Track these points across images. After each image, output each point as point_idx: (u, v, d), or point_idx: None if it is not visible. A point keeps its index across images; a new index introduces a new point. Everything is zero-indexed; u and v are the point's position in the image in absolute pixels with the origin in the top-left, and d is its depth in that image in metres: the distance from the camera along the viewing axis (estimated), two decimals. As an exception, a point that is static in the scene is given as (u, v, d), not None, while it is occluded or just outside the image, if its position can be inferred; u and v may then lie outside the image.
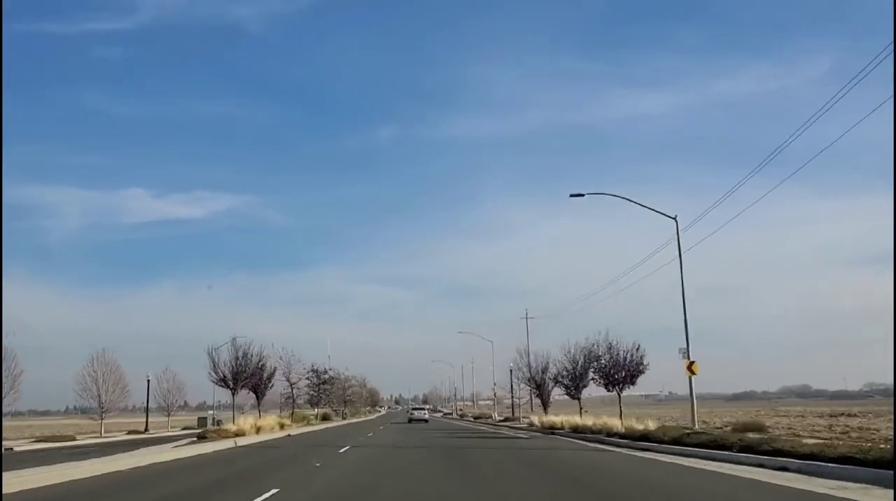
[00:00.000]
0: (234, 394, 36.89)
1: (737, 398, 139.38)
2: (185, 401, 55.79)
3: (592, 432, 28.54)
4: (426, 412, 72.22)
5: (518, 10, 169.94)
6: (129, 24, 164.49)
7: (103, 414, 38.12)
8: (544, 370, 42.59)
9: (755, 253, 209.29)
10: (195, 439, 27.32)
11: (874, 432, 24.90)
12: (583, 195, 26.31)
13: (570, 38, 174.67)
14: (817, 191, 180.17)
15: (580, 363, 34.81)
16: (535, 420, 41.49)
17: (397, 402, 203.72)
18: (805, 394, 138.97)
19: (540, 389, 43.46)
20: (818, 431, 27.43)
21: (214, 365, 35.80)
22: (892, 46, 11.94)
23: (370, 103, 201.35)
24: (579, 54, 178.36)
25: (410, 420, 62.89)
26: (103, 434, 38.04)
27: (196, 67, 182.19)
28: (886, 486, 10.08)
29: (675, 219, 25.83)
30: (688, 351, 25.54)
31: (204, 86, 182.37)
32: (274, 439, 31.01)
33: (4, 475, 11.64)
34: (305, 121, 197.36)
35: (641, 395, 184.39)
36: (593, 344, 33.04)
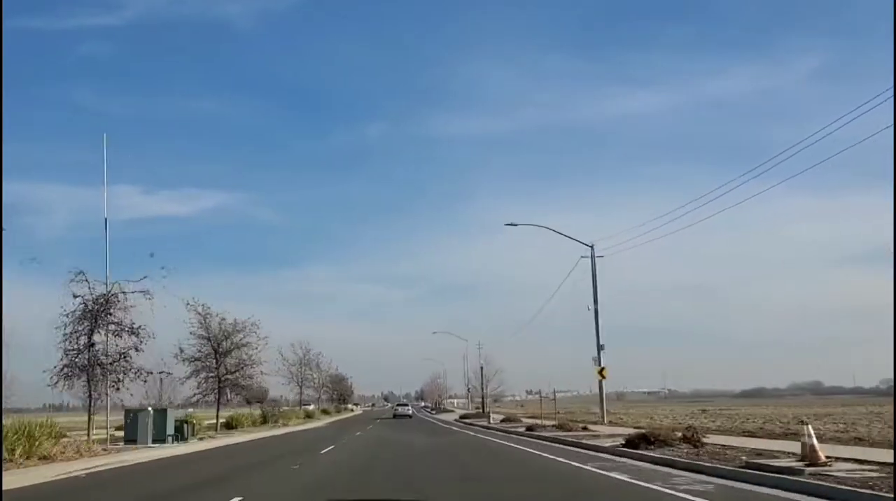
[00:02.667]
0: None
1: (746, 395, 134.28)
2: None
3: None
4: (410, 408, 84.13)
5: (512, 9, 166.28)
6: (118, 19, 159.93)
7: None
8: None
9: (761, 250, 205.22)
10: None
11: None
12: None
13: (563, 37, 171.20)
14: (818, 187, 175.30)
15: None
16: None
17: (386, 399, 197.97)
18: (818, 392, 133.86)
19: None
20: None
21: None
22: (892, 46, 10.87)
23: (361, 101, 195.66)
24: (573, 53, 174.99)
25: (395, 416, 72.04)
26: None
27: (185, 64, 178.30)
28: None
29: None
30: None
31: (193, 82, 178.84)
32: None
33: None
34: (295, 118, 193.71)
35: (644, 392, 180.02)
36: None
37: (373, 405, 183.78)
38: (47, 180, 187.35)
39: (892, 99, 11.21)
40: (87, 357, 22.40)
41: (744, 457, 13.19)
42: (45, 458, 16.86)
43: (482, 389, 76.39)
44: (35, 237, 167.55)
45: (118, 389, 23.28)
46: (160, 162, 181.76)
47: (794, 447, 12.88)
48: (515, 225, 32.74)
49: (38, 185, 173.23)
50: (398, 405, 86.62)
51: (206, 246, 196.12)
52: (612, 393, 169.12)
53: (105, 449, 21.14)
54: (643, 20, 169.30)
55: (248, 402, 46.35)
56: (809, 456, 11.29)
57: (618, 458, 16.07)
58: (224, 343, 36.46)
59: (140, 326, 23.09)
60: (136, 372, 23.23)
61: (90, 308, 22.66)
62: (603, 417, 34.74)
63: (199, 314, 35.74)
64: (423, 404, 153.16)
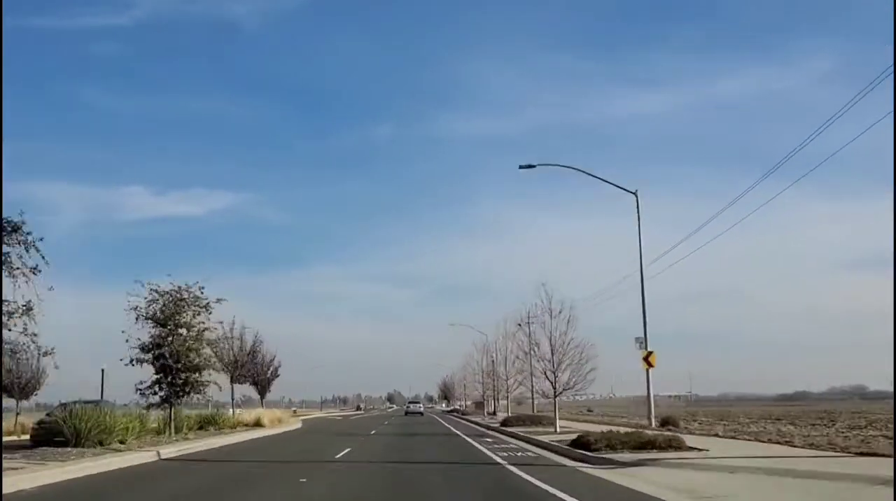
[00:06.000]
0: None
1: (784, 399, 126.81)
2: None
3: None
4: (421, 406, 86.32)
5: (516, 8, 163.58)
6: (127, 19, 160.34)
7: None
8: None
9: (788, 253, 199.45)
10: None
11: None
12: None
13: (569, 36, 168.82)
14: (838, 189, 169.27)
15: None
16: None
17: (390, 399, 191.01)
18: (865, 396, 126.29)
19: None
20: None
21: None
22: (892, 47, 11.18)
23: (366, 101, 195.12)
24: (579, 53, 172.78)
25: (407, 413, 73.06)
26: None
27: (193, 64, 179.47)
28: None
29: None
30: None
31: (201, 82, 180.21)
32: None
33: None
34: (301, 118, 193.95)
35: (668, 396, 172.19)
36: None
37: (359, 407, 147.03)
38: (56, 179, 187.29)
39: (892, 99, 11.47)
40: None
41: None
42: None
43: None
44: (46, 236, 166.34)
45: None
46: (169, 162, 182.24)
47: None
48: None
49: (47, 184, 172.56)
50: (410, 402, 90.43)
51: (213, 246, 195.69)
52: (640, 397, 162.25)
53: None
54: (648, 21, 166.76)
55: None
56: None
57: None
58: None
59: None
60: None
61: None
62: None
63: None
64: (446, 407, 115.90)
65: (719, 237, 30.12)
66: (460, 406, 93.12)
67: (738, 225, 27.01)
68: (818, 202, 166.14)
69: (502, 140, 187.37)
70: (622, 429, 21.56)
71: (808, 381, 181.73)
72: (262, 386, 44.41)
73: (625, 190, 26.21)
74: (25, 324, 15.32)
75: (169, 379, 22.07)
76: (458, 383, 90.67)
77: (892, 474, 10.28)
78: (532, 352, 30.07)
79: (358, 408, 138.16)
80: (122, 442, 19.23)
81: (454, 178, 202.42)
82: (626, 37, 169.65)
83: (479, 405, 70.63)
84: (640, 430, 21.27)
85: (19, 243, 15.27)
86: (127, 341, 21.74)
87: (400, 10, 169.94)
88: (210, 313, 22.97)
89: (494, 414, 57.21)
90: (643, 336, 27.25)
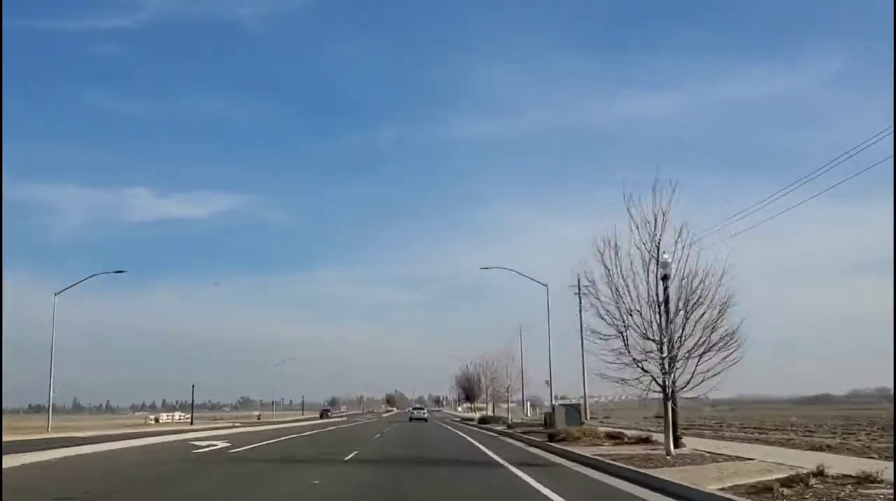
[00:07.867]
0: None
1: (805, 402, 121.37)
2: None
3: None
4: (425, 411, 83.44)
5: (521, 10, 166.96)
6: (131, 21, 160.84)
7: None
8: None
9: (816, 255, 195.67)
10: None
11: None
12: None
13: (573, 39, 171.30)
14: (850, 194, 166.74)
15: None
16: None
17: (390, 401, 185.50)
18: (892, 399, 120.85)
19: None
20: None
21: None
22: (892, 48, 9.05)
23: (372, 103, 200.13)
24: (582, 55, 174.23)
25: (411, 419, 70.81)
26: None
27: (197, 66, 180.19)
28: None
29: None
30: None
31: (204, 84, 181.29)
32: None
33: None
34: (306, 120, 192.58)
35: (682, 398, 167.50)
36: None
37: (324, 413, 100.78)
38: (62, 181, 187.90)
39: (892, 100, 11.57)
40: None
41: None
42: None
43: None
44: (50, 237, 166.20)
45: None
46: (172, 163, 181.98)
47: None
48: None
49: (52, 186, 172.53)
50: (414, 408, 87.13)
51: (217, 248, 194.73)
52: (655, 400, 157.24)
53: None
54: (654, 23, 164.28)
55: None
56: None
57: None
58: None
59: None
60: None
61: None
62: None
63: None
64: (467, 411, 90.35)
65: (734, 239, 25.82)
66: (489, 411, 60.68)
67: (754, 228, 22.43)
68: (832, 205, 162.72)
69: (508, 142, 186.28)
70: None
71: (828, 383, 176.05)
72: None
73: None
74: None
75: None
76: (486, 375, 56.54)
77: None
78: None
79: (322, 415, 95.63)
80: None
81: (460, 180, 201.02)
82: (630, 39, 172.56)
83: (577, 409, 31.83)
84: None
85: None
86: None
87: (406, 14, 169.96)
88: None
89: (678, 441, 17.94)
90: None
